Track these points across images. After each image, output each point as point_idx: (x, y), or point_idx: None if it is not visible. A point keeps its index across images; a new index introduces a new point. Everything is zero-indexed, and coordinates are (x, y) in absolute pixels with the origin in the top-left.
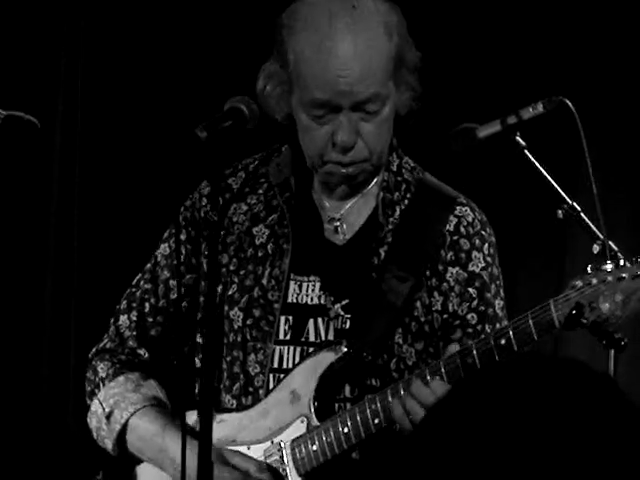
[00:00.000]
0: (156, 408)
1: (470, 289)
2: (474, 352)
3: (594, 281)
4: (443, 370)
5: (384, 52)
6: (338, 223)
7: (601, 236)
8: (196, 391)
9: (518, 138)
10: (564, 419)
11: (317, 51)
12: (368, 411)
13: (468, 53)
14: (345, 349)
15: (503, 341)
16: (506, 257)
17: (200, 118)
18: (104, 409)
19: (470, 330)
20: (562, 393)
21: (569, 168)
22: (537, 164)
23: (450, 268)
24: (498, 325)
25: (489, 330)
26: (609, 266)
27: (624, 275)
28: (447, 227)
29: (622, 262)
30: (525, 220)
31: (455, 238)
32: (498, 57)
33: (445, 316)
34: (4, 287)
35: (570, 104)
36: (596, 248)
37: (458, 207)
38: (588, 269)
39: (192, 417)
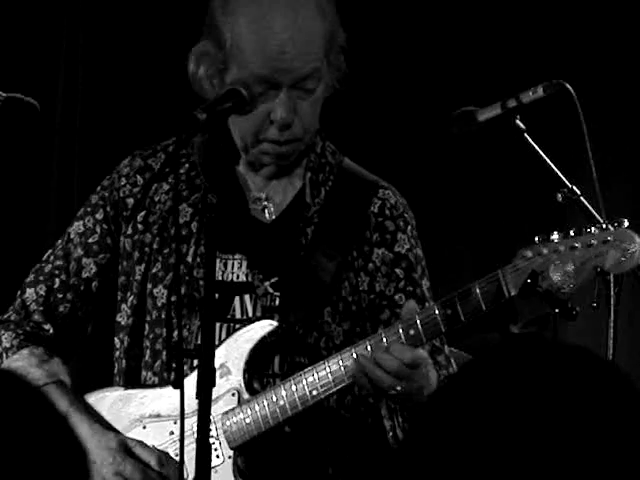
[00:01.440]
0: (60, 387)
1: (397, 270)
2: (417, 323)
3: (544, 251)
4: (385, 341)
5: (320, 29)
6: (265, 203)
7: (600, 219)
8: (115, 371)
9: (518, 121)
10: (568, 405)
11: (257, 28)
12: (305, 383)
13: (469, 36)
14: (277, 323)
15: (449, 311)
16: (505, 240)
17: (199, 100)
18: None
19: (398, 310)
20: (565, 379)
21: (569, 152)
22: (537, 147)
23: (376, 249)
24: (427, 304)
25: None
26: (557, 236)
27: (576, 244)
28: (371, 209)
29: (571, 232)
30: (524, 203)
31: (380, 220)
32: (498, 40)
33: (372, 296)
34: (3, 268)
35: (570, 88)
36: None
37: (381, 190)
38: (536, 239)
39: (98, 395)
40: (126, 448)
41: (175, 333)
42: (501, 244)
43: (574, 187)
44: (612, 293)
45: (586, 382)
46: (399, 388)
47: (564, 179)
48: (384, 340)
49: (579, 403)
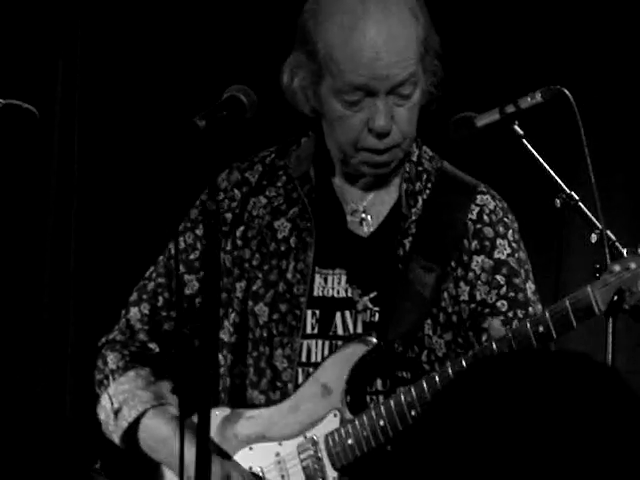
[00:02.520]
0: (169, 408)
1: (498, 276)
2: (512, 341)
3: (632, 265)
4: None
5: (414, 33)
6: (363, 215)
7: (599, 225)
8: (220, 388)
9: (516, 127)
10: (567, 411)
11: (350, 34)
12: (404, 403)
13: (467, 42)
14: (376, 341)
15: (541, 328)
16: None
17: (199, 107)
18: (112, 404)
19: (502, 318)
20: (565, 385)
21: (567, 157)
22: (535, 153)
23: (475, 257)
24: (531, 309)
25: (521, 315)
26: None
27: None
28: (469, 216)
29: None
30: (523, 209)
31: (479, 227)
32: (497, 46)
33: (473, 305)
34: (1, 278)
35: (568, 93)
36: (594, 237)
37: (479, 196)
38: (624, 252)
39: (215, 417)
40: (236, 466)
41: (278, 351)
42: None
43: (572, 192)
44: (612, 300)
45: (586, 388)
46: None
47: (562, 184)
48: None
49: (579, 408)
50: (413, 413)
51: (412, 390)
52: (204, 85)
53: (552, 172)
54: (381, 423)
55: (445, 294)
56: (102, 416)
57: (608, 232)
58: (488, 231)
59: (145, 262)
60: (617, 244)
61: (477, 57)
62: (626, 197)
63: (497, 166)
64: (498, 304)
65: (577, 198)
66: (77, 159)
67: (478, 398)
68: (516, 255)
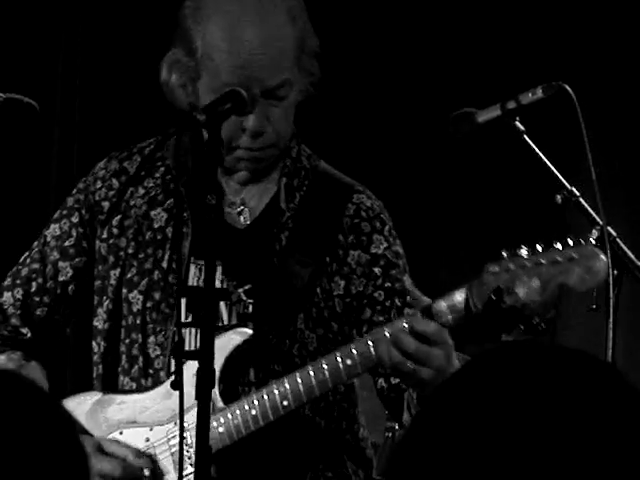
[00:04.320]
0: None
1: (375, 268)
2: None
3: (511, 266)
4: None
5: (290, 37)
6: (241, 208)
7: (600, 221)
8: (93, 375)
9: (517, 123)
10: (568, 408)
11: (227, 37)
12: (277, 393)
13: (468, 38)
14: (251, 332)
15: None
16: (504, 242)
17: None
18: None
19: (379, 307)
20: (566, 382)
21: (568, 153)
22: (536, 149)
23: (351, 251)
24: (409, 298)
25: (399, 304)
26: (525, 251)
27: (542, 261)
28: (346, 212)
29: (539, 248)
30: (524, 205)
31: (356, 221)
32: (498, 42)
33: (348, 299)
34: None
35: (569, 89)
36: (595, 233)
37: (355, 195)
38: (504, 254)
39: (76, 400)
40: (100, 448)
41: (151, 339)
42: (501, 246)
43: (573, 188)
44: (611, 295)
45: (585, 384)
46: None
47: (563, 180)
48: (369, 343)
49: (578, 405)
50: (285, 403)
51: (285, 381)
52: None
53: (553, 168)
54: (252, 412)
55: (318, 289)
56: None
57: (609, 228)
58: (365, 226)
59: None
60: (618, 240)
61: (478, 53)
62: (627, 193)
63: (498, 162)
64: (375, 294)
65: (578, 194)
66: (77, 153)
67: (475, 394)
68: (393, 249)
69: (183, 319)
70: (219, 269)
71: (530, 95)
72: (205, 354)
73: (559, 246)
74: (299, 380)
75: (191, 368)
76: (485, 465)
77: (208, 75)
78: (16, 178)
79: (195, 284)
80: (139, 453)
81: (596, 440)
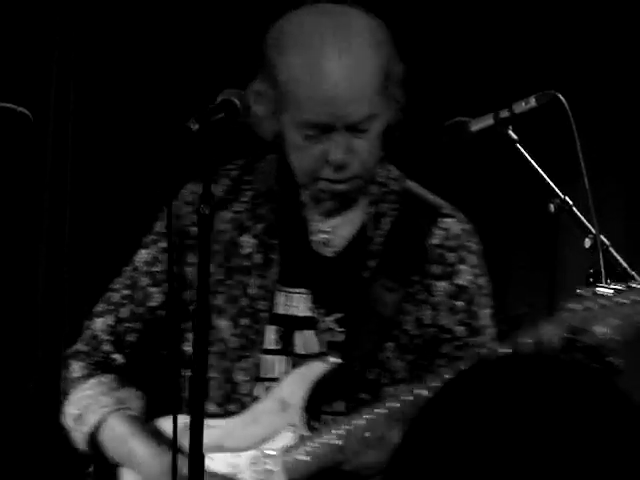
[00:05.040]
0: (128, 412)
1: (458, 302)
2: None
3: (591, 305)
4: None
5: (374, 70)
6: (327, 236)
7: (593, 230)
8: (185, 395)
9: (510, 132)
10: (565, 417)
11: (309, 73)
12: (361, 425)
13: (461, 47)
14: (336, 361)
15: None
16: (497, 252)
17: (192, 110)
18: (75, 411)
19: (459, 343)
20: (563, 393)
21: (561, 162)
22: (529, 158)
23: (438, 282)
24: (487, 337)
25: (478, 342)
26: (603, 289)
27: (623, 300)
28: (433, 241)
29: (616, 286)
30: (517, 214)
31: (441, 252)
32: (491, 51)
33: (434, 330)
34: None
35: (562, 98)
36: (588, 242)
37: (444, 219)
38: (581, 292)
39: (170, 423)
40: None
41: (237, 365)
42: (494, 255)
43: (566, 197)
44: None
45: (583, 396)
46: None
47: (556, 190)
48: None
49: (576, 416)
50: (367, 435)
51: (369, 413)
52: (198, 89)
53: (546, 177)
54: (338, 442)
55: (408, 317)
56: (67, 424)
57: (602, 237)
58: (450, 256)
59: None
60: (611, 249)
61: (471, 62)
62: (620, 202)
63: (491, 171)
64: (457, 330)
65: (571, 203)
66: (71, 162)
67: (477, 406)
68: (477, 281)
69: (270, 346)
70: (309, 298)
71: (523, 104)
72: (197, 364)
73: (638, 285)
74: (386, 412)
75: (274, 398)
76: (482, 472)
77: (292, 108)
78: (9, 188)
79: (282, 312)
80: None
81: (591, 447)
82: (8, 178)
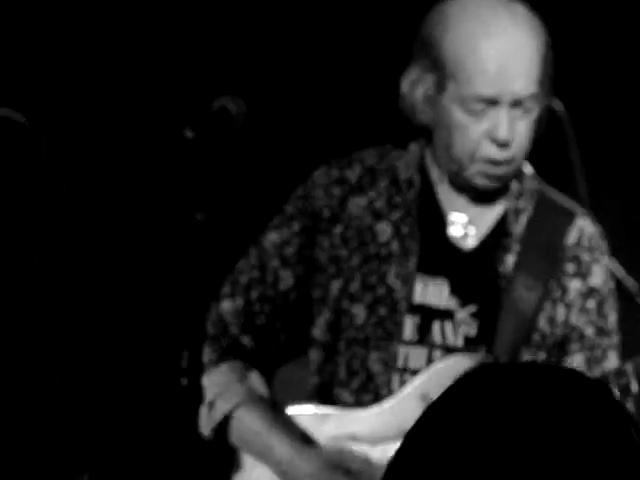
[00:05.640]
0: (262, 403)
1: (590, 302)
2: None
3: None
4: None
5: (538, 51)
6: (467, 228)
7: None
8: (309, 385)
9: None
10: (559, 427)
11: (480, 43)
12: None
13: None
14: (483, 357)
15: (624, 380)
16: None
17: (188, 118)
18: (207, 396)
19: (587, 343)
20: (556, 402)
21: (558, 171)
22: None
23: (572, 281)
24: (609, 340)
25: (605, 344)
26: None
27: None
28: (570, 239)
29: None
30: None
31: (577, 251)
32: None
33: (566, 329)
34: None
35: (559, 107)
36: None
37: (579, 219)
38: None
39: (304, 411)
40: (330, 461)
41: (373, 354)
42: None
43: None
44: None
45: (577, 405)
46: None
47: None
48: None
49: (570, 426)
50: None
51: None
52: (194, 96)
53: None
54: None
55: (542, 314)
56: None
57: None
58: (585, 256)
59: (134, 267)
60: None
61: None
62: (618, 210)
63: None
64: (587, 330)
65: None
66: (66, 170)
67: (469, 414)
68: (609, 283)
69: (407, 337)
70: (446, 288)
71: None
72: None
73: None
74: None
75: (415, 391)
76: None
77: (456, 85)
78: (3, 195)
79: (420, 301)
80: (368, 460)
81: (586, 457)
82: (3, 184)
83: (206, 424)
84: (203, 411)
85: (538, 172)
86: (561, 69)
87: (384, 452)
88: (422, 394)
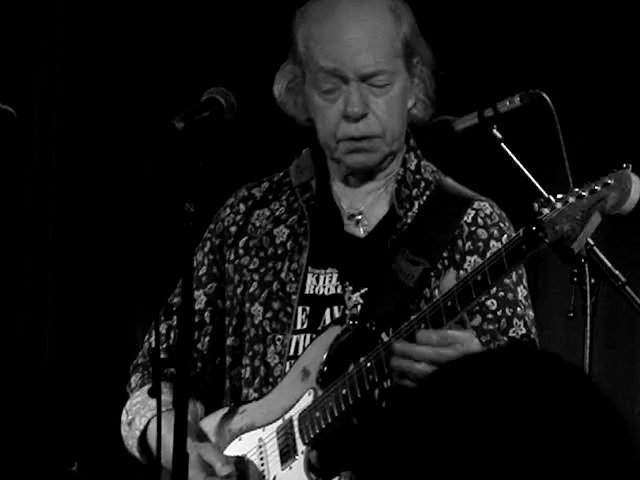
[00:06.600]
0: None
1: None
2: (454, 295)
3: (558, 205)
4: (428, 316)
5: (389, 30)
6: (359, 217)
7: None
8: (225, 390)
9: (495, 131)
10: (537, 412)
11: (323, 25)
12: (363, 370)
13: (445, 45)
14: (350, 321)
15: (479, 277)
16: None
17: (178, 109)
18: (127, 417)
19: (490, 316)
20: (535, 385)
21: (546, 161)
22: (513, 157)
23: (468, 257)
24: (519, 310)
25: (509, 314)
26: (574, 189)
27: (583, 193)
28: (465, 219)
29: (585, 182)
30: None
31: (473, 229)
32: (475, 49)
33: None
34: None
35: (547, 97)
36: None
37: (477, 202)
38: (552, 198)
39: (209, 419)
40: (198, 456)
41: (270, 348)
42: None
43: (550, 197)
44: (588, 303)
45: (555, 389)
46: None
47: (541, 189)
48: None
49: (548, 410)
50: (370, 377)
51: (370, 357)
52: (183, 87)
53: (530, 176)
54: (343, 391)
55: (436, 291)
56: (122, 432)
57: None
58: (482, 232)
59: (120, 263)
60: (595, 248)
61: (456, 61)
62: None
63: (476, 170)
64: (487, 302)
65: (555, 202)
66: (55, 161)
67: (450, 399)
68: None
69: (299, 326)
70: (335, 276)
71: (508, 103)
72: (181, 361)
73: (601, 177)
74: (383, 354)
75: (296, 369)
76: (457, 467)
77: (308, 69)
78: None
79: (311, 293)
80: (228, 461)
81: (565, 443)
82: None
83: (131, 444)
84: (125, 430)
85: (526, 164)
86: (549, 61)
87: (269, 431)
88: (303, 369)
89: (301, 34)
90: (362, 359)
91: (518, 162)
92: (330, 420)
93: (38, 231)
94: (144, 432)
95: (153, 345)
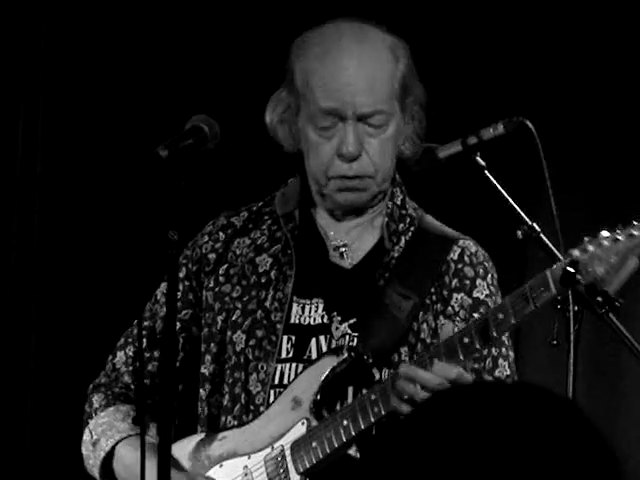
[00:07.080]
0: (145, 437)
1: (475, 314)
2: (472, 331)
3: (590, 247)
4: (442, 351)
5: (389, 70)
6: (344, 249)
7: (561, 257)
8: (198, 420)
9: (478, 158)
10: (527, 445)
11: (324, 63)
12: (366, 401)
13: (429, 73)
14: (346, 353)
15: (501, 315)
16: None
17: (162, 136)
18: (92, 437)
19: (476, 354)
20: (524, 420)
21: (529, 189)
22: (497, 184)
23: (455, 294)
24: (504, 350)
25: (495, 353)
26: (605, 232)
27: (619, 237)
28: (451, 256)
29: (619, 226)
30: (485, 240)
31: (460, 266)
32: (459, 77)
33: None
34: None
35: (530, 125)
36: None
37: (461, 240)
38: (585, 239)
39: (181, 443)
40: None
41: (252, 376)
42: None
43: (534, 224)
44: (572, 330)
45: (545, 423)
46: None
47: (524, 216)
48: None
49: (538, 444)
50: (375, 410)
51: (375, 389)
52: (167, 115)
53: (514, 204)
54: (344, 422)
55: (424, 325)
56: (83, 451)
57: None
58: (468, 270)
59: (107, 270)
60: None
61: (439, 88)
62: (588, 228)
63: (459, 197)
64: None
65: (538, 230)
66: (40, 174)
67: (438, 429)
68: (493, 298)
69: (284, 355)
70: (320, 306)
71: (491, 130)
72: (165, 389)
73: (635, 222)
74: (389, 386)
75: (286, 398)
76: None
77: (306, 104)
78: None
79: (296, 322)
80: None
81: (553, 473)
82: None
83: (92, 464)
84: (87, 450)
85: (510, 191)
86: (532, 88)
87: (255, 460)
88: (293, 398)
89: (300, 67)
90: (365, 391)
91: (501, 189)
92: (329, 451)
93: (23, 234)
94: (109, 454)
95: (118, 367)
